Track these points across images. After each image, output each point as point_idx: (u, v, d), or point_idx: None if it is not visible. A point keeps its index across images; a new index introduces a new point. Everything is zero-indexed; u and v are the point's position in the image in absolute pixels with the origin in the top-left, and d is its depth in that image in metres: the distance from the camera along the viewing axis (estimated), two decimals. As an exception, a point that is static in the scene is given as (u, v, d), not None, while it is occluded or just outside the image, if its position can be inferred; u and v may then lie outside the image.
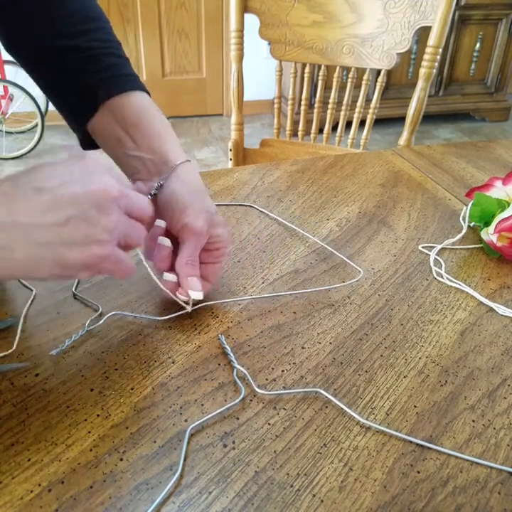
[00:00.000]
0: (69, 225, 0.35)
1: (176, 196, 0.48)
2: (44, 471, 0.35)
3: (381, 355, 0.46)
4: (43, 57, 0.51)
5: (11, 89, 2.58)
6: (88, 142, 0.54)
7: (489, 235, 0.59)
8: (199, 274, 0.48)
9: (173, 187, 0.48)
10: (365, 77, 1.17)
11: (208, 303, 0.51)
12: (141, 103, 0.51)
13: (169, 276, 0.48)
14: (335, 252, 0.60)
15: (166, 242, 0.47)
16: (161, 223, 0.48)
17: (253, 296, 0.52)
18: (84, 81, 0.51)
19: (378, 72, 1.16)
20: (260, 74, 3.01)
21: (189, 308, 0.49)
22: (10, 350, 0.44)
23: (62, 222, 0.35)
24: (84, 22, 0.52)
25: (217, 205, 0.69)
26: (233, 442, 0.38)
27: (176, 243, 0.49)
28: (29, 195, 0.35)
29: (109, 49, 0.52)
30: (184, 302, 0.48)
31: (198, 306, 0.50)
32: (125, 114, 0.50)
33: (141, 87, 0.52)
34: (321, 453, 0.37)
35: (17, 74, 2.60)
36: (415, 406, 0.41)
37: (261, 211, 0.68)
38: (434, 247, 0.61)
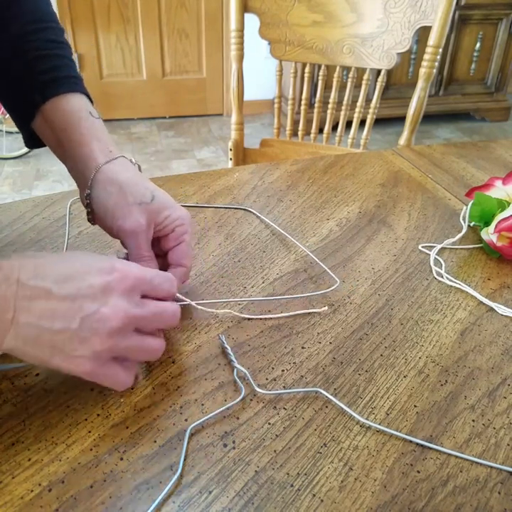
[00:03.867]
0: (62, 334, 0.35)
1: (101, 203, 0.48)
2: (44, 470, 0.35)
3: (381, 355, 0.46)
4: None
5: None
6: (34, 141, 0.54)
7: (489, 234, 0.59)
8: (156, 265, 0.48)
9: (97, 194, 0.48)
10: (365, 76, 1.17)
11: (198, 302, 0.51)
12: (72, 107, 0.50)
13: None
14: (319, 261, 0.60)
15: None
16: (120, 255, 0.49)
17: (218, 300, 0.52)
18: (24, 85, 0.50)
19: (378, 71, 1.16)
20: (260, 74, 3.01)
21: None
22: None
23: (57, 331, 0.35)
24: (32, 23, 0.51)
25: (213, 207, 0.69)
26: (233, 442, 0.38)
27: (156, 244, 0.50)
28: (39, 296, 0.35)
29: (53, 50, 0.51)
30: None
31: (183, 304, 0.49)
32: (55, 119, 0.50)
33: (78, 89, 0.51)
34: (321, 452, 0.37)
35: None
36: (415, 406, 0.41)
37: (257, 216, 0.68)
38: (434, 246, 0.61)
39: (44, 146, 0.54)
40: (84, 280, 0.37)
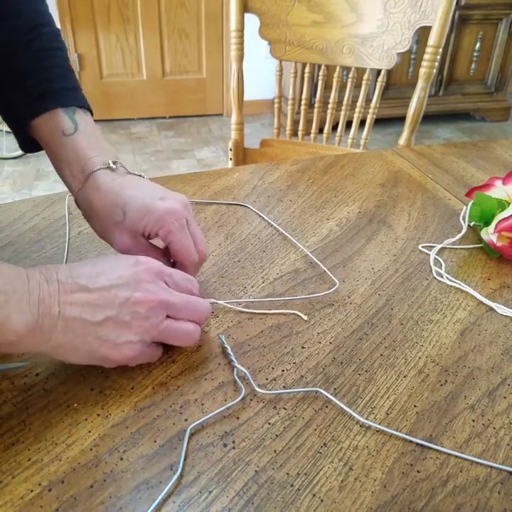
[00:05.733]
0: (105, 324, 0.39)
1: (94, 226, 0.51)
2: (44, 470, 0.35)
3: (381, 355, 0.46)
4: None
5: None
6: (28, 146, 0.54)
7: (489, 234, 0.59)
8: (167, 261, 0.50)
9: (86, 220, 0.51)
10: (365, 76, 1.17)
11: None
12: (49, 127, 0.50)
13: None
14: (319, 263, 0.60)
15: None
16: None
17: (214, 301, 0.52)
18: (15, 97, 0.51)
19: (378, 71, 1.16)
20: (260, 74, 3.01)
21: None
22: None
23: (100, 322, 0.39)
24: (26, 32, 0.51)
25: (213, 203, 0.69)
26: (233, 442, 0.38)
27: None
28: (78, 290, 0.38)
29: (45, 61, 0.51)
30: None
31: None
32: (41, 137, 0.51)
33: (62, 103, 0.50)
34: (321, 452, 0.37)
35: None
36: (415, 405, 0.41)
37: (257, 213, 0.68)
38: (434, 246, 0.61)
39: (39, 150, 0.54)
40: (114, 272, 0.40)
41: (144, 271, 0.41)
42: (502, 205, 0.61)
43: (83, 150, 0.49)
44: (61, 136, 0.50)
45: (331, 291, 0.53)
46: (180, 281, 0.44)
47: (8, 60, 0.50)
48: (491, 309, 0.52)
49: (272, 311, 0.50)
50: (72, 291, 0.38)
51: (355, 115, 1.21)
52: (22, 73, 0.51)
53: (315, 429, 0.39)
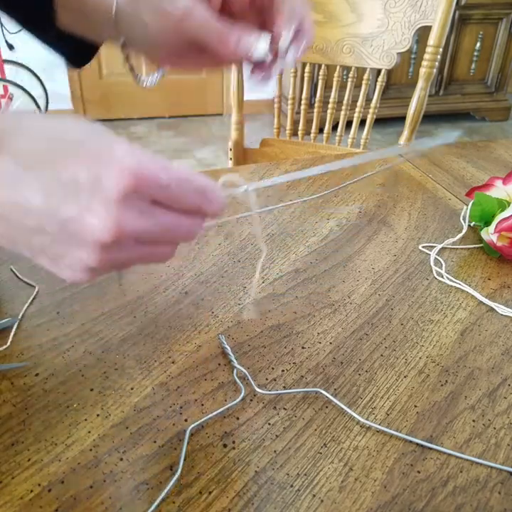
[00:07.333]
0: (40, 235, 0.28)
1: (135, 12, 0.41)
2: (44, 470, 0.35)
3: (381, 355, 0.46)
4: None
5: (11, 88, 2.58)
6: (77, 53, 0.47)
7: (489, 234, 0.59)
8: (253, 28, 0.40)
9: (126, 7, 0.42)
10: (366, 76, 1.17)
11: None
12: None
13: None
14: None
15: None
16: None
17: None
18: None
19: (378, 71, 1.16)
20: (260, 73, 3.00)
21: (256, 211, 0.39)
22: (4, 347, 0.44)
23: (32, 229, 0.28)
24: None
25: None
26: (233, 442, 0.38)
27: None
28: (5, 181, 0.27)
29: None
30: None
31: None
32: None
33: None
34: (321, 453, 0.37)
35: (17, 73, 2.60)
36: (415, 406, 0.41)
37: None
38: (435, 246, 0.61)
39: (89, 57, 0.49)
40: (67, 168, 0.27)
41: (117, 177, 0.27)
42: (502, 205, 0.61)
43: None
44: None
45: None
46: (183, 194, 0.30)
47: None
48: (491, 309, 0.52)
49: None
50: None
51: (355, 115, 1.21)
52: None
53: (315, 430, 0.39)
